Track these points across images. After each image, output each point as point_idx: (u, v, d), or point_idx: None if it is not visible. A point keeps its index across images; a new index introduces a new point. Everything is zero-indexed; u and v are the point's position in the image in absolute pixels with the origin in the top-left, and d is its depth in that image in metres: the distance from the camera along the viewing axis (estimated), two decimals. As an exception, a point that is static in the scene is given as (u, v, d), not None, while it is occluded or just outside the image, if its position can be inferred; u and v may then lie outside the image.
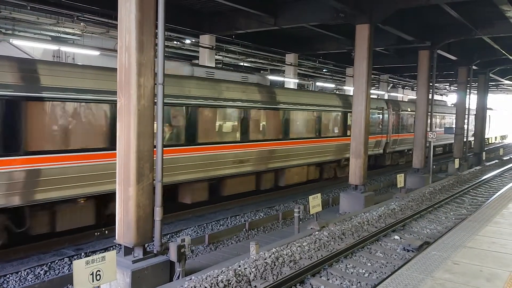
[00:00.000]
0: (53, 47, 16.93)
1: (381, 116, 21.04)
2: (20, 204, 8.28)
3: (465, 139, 24.94)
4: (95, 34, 16.46)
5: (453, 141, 26.04)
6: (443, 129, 26.45)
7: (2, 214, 8.24)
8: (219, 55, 21.27)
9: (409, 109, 24.35)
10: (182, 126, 11.41)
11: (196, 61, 19.68)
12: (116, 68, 7.10)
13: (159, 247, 7.29)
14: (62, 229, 9.22)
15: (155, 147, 7.19)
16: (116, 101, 7.19)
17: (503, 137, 57.57)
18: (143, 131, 6.98)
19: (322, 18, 14.81)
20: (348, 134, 17.60)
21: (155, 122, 7.20)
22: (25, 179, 8.18)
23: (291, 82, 22.79)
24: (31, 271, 8.12)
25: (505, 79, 31.55)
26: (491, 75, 27.86)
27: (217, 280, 6.62)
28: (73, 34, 16.85)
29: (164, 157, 7.28)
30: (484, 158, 27.01)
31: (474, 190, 17.32)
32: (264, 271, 7.25)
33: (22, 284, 7.66)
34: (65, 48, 16.93)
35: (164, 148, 7.30)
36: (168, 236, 10.46)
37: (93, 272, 5.30)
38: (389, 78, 33.86)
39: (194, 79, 12.08)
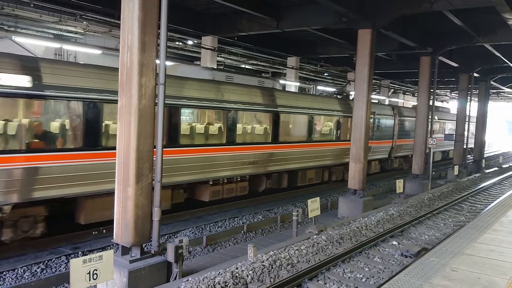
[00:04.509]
0: (55, 45, 16.92)
1: None
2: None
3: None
4: (98, 33, 16.46)
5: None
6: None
7: None
8: (221, 56, 21.28)
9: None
10: None
11: (198, 63, 19.68)
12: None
13: (157, 248, 7.28)
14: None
15: (155, 147, 7.19)
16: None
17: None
18: (143, 131, 6.97)
19: (324, 22, 14.83)
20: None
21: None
22: None
23: (292, 85, 22.83)
24: (28, 269, 8.10)
25: (506, 87, 31.59)
26: (492, 82, 27.89)
27: (214, 282, 6.60)
28: (76, 33, 16.84)
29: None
30: (483, 166, 27.02)
31: (473, 197, 17.30)
32: (261, 273, 7.23)
33: (18, 282, 7.64)
34: (67, 47, 16.93)
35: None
36: (166, 237, 10.44)
37: (90, 271, 5.29)
38: (390, 84, 33.87)
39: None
